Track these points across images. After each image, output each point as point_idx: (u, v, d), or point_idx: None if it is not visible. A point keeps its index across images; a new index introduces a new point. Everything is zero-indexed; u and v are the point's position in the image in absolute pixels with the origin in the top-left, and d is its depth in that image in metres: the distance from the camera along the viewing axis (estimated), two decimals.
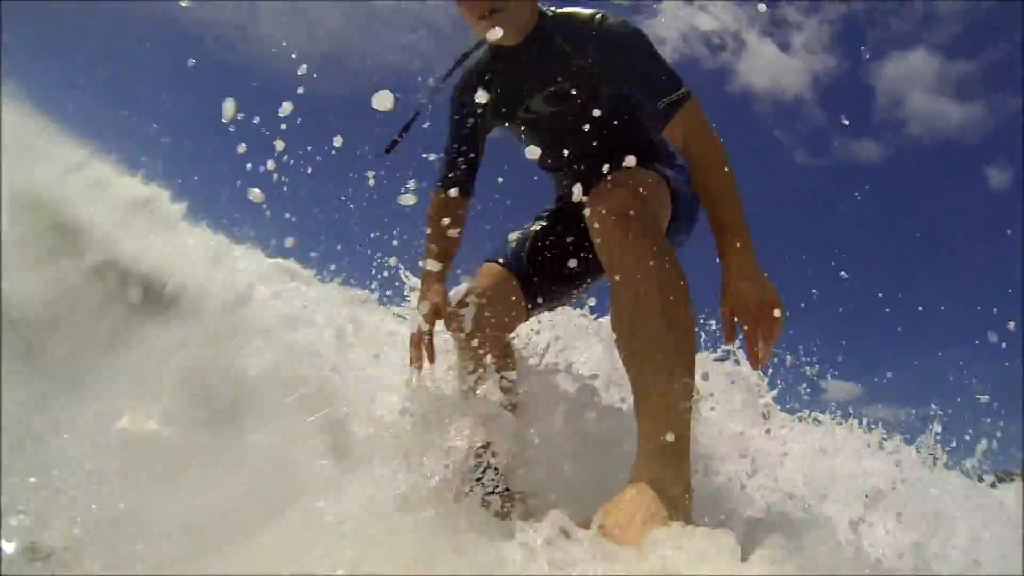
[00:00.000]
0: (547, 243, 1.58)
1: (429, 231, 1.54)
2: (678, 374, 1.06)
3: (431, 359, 1.40)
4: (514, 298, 1.52)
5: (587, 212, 1.21)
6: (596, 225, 1.19)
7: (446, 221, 1.50)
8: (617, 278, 1.14)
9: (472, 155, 1.53)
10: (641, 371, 1.10)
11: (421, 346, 1.40)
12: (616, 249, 1.16)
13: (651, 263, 1.11)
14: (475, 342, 1.41)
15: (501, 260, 1.56)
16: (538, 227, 1.63)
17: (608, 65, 1.35)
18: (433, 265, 1.44)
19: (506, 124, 1.55)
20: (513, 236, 1.63)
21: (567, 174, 1.62)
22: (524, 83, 1.45)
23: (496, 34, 1.25)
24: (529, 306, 1.54)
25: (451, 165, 1.53)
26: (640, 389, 1.10)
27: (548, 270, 1.54)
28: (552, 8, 1.43)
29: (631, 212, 1.15)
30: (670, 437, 1.00)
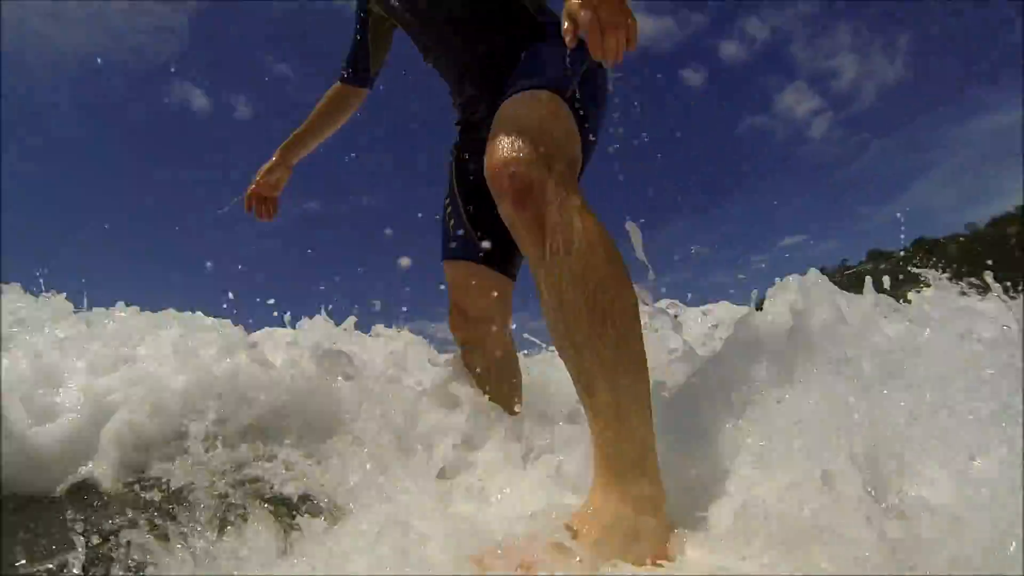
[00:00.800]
0: (482, 210, 1.52)
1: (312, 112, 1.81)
2: (621, 375, 0.91)
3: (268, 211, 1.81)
4: (492, 281, 1.52)
5: (488, 181, 1.07)
6: (500, 208, 1.06)
7: (328, 105, 1.80)
8: (532, 266, 1.03)
9: (364, 49, 1.73)
10: (579, 374, 0.95)
11: (254, 202, 1.79)
12: (522, 233, 1.02)
13: (564, 244, 0.95)
14: (473, 342, 1.56)
15: (459, 256, 1.56)
16: (463, 197, 1.60)
17: None
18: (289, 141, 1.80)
19: (397, 21, 1.62)
20: (450, 216, 1.62)
21: (452, 70, 1.57)
22: None
23: None
24: (510, 276, 1.56)
25: (350, 57, 1.76)
26: (585, 396, 0.95)
27: (501, 234, 1.24)
28: None
29: (532, 182, 1.00)
30: (627, 452, 0.88)
